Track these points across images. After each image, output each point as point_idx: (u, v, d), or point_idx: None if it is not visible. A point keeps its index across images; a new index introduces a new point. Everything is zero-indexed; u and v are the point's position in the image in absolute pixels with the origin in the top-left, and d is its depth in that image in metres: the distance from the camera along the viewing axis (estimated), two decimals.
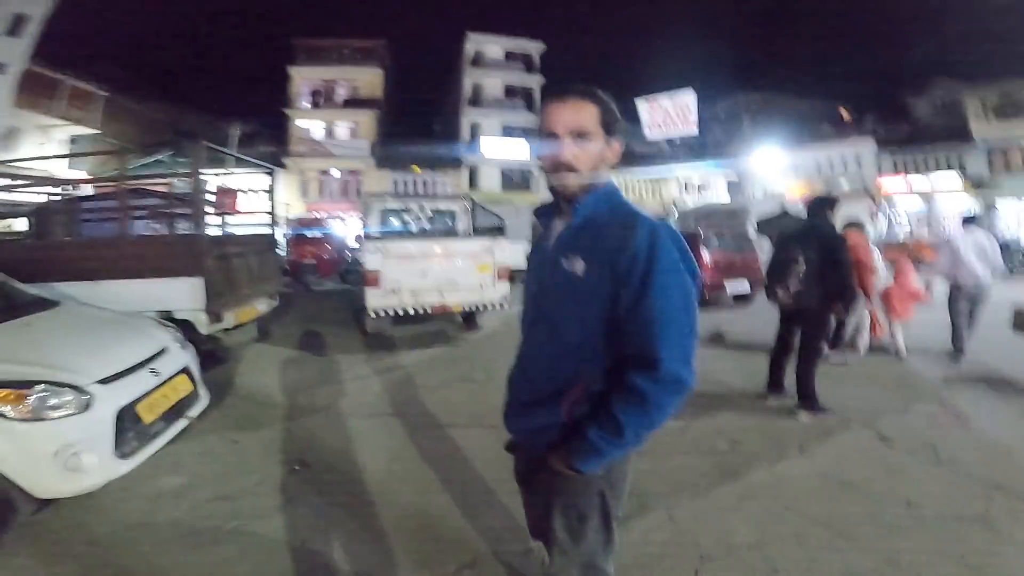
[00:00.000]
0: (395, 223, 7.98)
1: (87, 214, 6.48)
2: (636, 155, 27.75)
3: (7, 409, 2.22)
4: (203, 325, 4.50)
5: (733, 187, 30.96)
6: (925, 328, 6.06)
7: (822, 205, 4.11)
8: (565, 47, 73.07)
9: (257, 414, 4.01)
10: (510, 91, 30.00)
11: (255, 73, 65.10)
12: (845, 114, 31.68)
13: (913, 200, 25.34)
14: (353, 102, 28.50)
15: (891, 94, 28.84)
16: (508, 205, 16.73)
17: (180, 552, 2.29)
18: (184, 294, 4.45)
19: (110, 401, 2.48)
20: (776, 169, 28.47)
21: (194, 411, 3.09)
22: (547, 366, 1.23)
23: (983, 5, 22.86)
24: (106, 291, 4.26)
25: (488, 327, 6.88)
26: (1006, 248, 12.91)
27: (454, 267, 6.07)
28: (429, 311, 6.06)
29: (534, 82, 30.13)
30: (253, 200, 7.54)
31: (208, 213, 5.47)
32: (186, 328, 4.20)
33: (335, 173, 27.95)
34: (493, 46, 30.03)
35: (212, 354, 4.96)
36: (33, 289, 3.60)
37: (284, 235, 14.81)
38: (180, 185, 7.09)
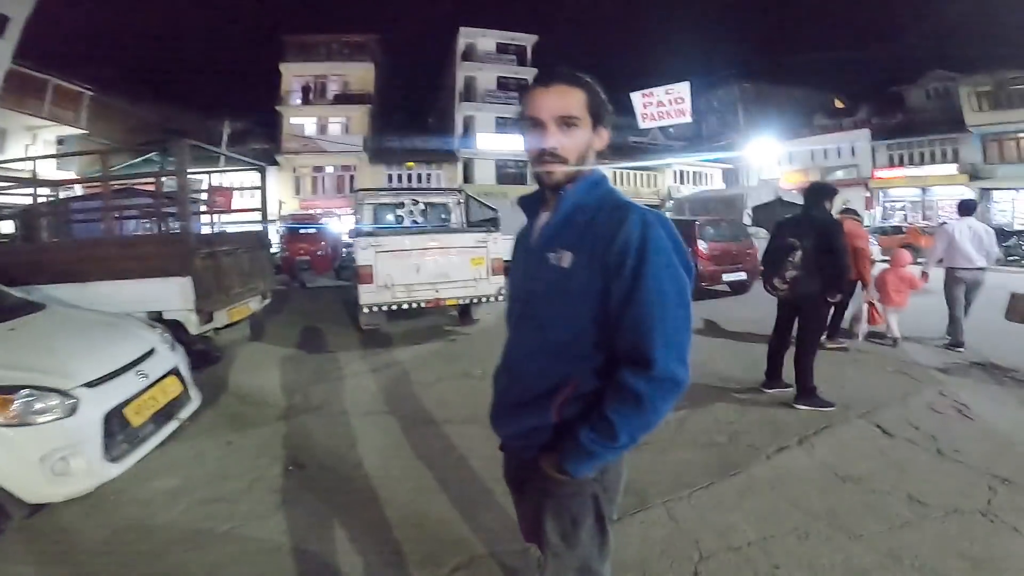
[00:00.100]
0: (388, 218, 7.93)
1: (75, 215, 6.40)
2: (631, 145, 27.67)
3: None
4: (193, 325, 4.45)
5: (728, 176, 30.99)
6: (921, 315, 6.06)
7: (820, 193, 4.05)
8: (558, 39, 72.77)
9: (251, 414, 3.96)
10: (503, 84, 29.80)
11: (246, 70, 64.43)
12: (839, 103, 31.72)
13: (908, 189, 25.42)
14: (345, 98, 28.23)
15: (886, 84, 28.89)
16: (503, 198, 16.67)
17: (176, 555, 2.27)
18: (173, 294, 4.39)
19: (97, 404, 2.46)
20: (771, 158, 28.50)
21: (185, 413, 3.07)
22: (535, 366, 1.17)
23: None
24: (94, 293, 4.22)
25: (484, 321, 6.84)
26: (1001, 234, 12.95)
27: (448, 261, 6.02)
28: (423, 306, 6.03)
29: (527, 75, 29.93)
30: (247, 198, 7.46)
31: (196, 212, 5.40)
32: (177, 328, 4.15)
33: (328, 169, 27.78)
34: (485, 39, 29.80)
35: (204, 354, 4.90)
36: (18, 292, 3.55)
37: (278, 232, 14.71)
38: (170, 184, 7.00)
